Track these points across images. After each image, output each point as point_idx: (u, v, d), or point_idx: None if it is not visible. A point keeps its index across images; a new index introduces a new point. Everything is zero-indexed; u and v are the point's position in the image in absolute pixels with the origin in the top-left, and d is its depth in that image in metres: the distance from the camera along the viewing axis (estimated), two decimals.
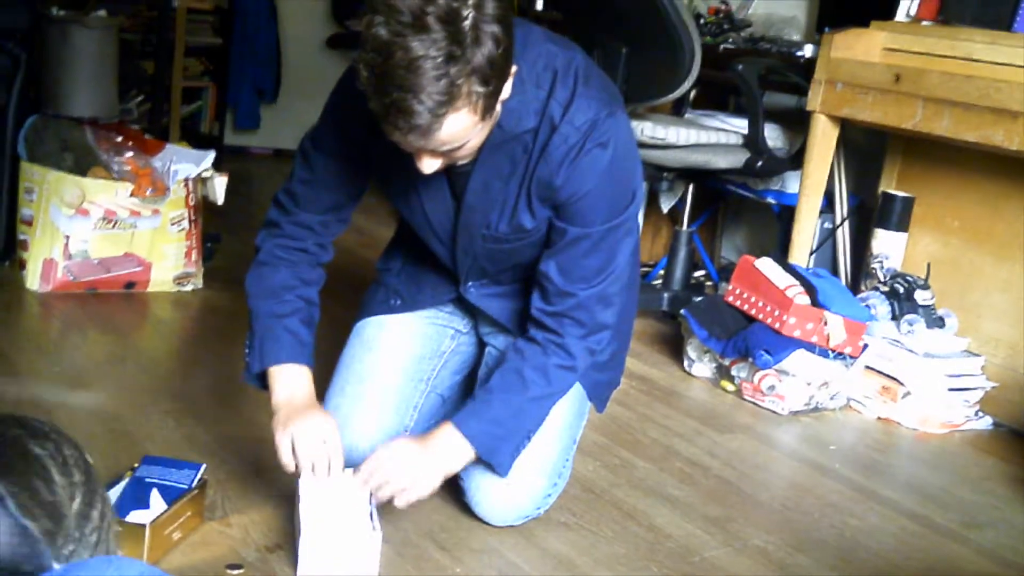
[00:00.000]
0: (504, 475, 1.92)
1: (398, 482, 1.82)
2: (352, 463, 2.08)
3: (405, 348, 2.11)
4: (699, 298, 3.22)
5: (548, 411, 1.95)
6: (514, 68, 1.64)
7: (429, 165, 1.66)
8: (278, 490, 2.03)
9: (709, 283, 3.98)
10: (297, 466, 1.84)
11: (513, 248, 1.93)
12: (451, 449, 1.88)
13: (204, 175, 3.27)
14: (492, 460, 1.90)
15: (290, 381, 1.92)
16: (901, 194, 3.19)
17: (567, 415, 2.05)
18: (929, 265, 3.09)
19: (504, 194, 1.84)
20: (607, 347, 2.02)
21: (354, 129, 1.88)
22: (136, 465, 1.90)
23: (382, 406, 2.05)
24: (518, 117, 1.75)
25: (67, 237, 3.09)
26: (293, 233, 1.99)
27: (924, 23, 3.10)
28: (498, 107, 1.66)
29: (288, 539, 1.86)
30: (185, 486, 1.85)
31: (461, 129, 1.58)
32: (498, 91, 1.60)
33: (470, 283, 2.06)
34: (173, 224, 3.23)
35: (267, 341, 1.94)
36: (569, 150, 1.76)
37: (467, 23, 1.50)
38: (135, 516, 1.75)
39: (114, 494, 1.83)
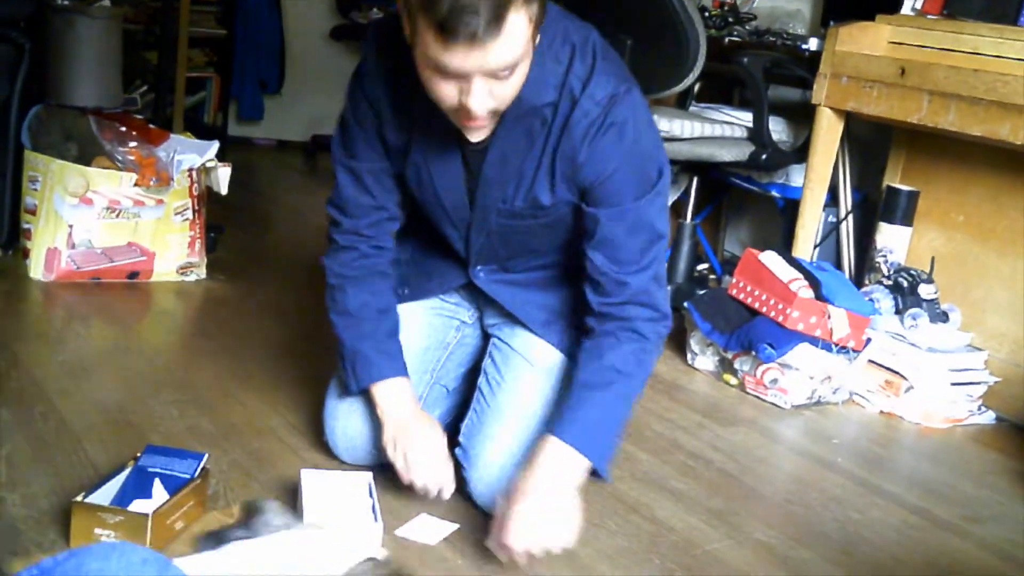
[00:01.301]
0: (609, 480, 1.94)
1: (547, 535, 1.77)
2: (357, 456, 2.09)
3: (410, 339, 2.10)
4: (702, 291, 3.22)
5: (633, 401, 1.94)
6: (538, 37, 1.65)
7: (480, 99, 1.62)
8: (280, 480, 2.03)
9: (712, 276, 3.98)
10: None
11: (528, 226, 1.93)
12: (567, 469, 1.82)
13: (208, 165, 3.27)
14: (602, 468, 1.87)
15: (389, 396, 1.99)
16: (906, 188, 3.19)
17: None
18: (933, 259, 3.09)
19: (522, 168, 1.84)
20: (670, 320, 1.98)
21: (369, 121, 1.90)
22: (139, 455, 1.90)
23: None
24: (537, 90, 1.75)
25: (71, 226, 3.08)
26: (348, 244, 2.03)
27: (929, 17, 3.09)
28: (536, 38, 1.65)
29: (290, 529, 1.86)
30: (188, 476, 1.85)
31: (520, 36, 1.57)
32: (542, 6, 1.61)
33: (479, 267, 2.06)
34: (177, 214, 3.23)
35: (358, 365, 2.01)
36: (590, 125, 1.77)
37: None
38: (138, 505, 1.75)
39: (116, 484, 1.83)
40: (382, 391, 1.99)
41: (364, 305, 2.02)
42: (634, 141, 1.80)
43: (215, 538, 1.26)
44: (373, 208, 2.00)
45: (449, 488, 1.95)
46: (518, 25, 1.56)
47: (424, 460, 1.93)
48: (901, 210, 3.18)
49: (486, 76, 1.61)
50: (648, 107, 1.88)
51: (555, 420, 1.86)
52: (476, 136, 1.79)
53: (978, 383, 2.91)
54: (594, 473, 1.86)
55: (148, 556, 1.02)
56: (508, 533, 1.75)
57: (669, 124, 3.29)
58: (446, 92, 1.64)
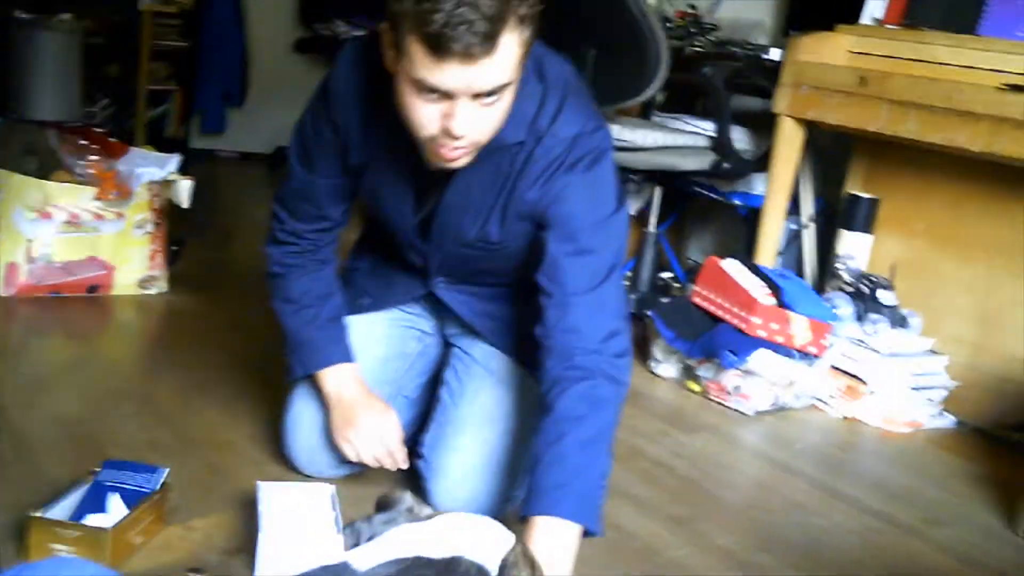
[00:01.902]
0: (600, 534, 1.70)
1: None
2: (317, 468, 2.08)
3: (371, 350, 2.10)
4: (666, 299, 3.23)
5: (603, 444, 1.74)
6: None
7: (465, 121, 1.59)
8: (241, 493, 2.02)
9: (676, 284, 3.99)
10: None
11: (480, 256, 1.93)
12: (570, 549, 1.65)
13: (169, 178, 3.26)
14: (595, 527, 1.68)
15: (335, 383, 2.02)
16: (866, 196, 3.22)
17: (533, 416, 2.04)
18: (894, 266, 3.11)
19: (480, 202, 1.84)
20: (629, 355, 1.84)
21: (330, 138, 1.88)
22: (97, 469, 1.88)
23: None
24: (511, 128, 1.73)
25: (30, 240, 3.06)
26: (288, 240, 2.05)
27: (889, 26, 3.13)
28: (523, 66, 1.63)
29: (250, 542, 1.84)
30: (147, 490, 1.83)
31: (511, 58, 1.56)
32: (534, 33, 1.60)
33: (439, 279, 2.06)
34: (137, 227, 3.21)
35: (303, 352, 2.04)
36: (550, 163, 1.76)
37: None
38: (96, 520, 1.73)
39: (75, 499, 1.81)
40: (328, 377, 2.02)
41: (306, 292, 2.04)
42: (593, 177, 1.78)
43: (355, 532, 1.25)
44: (317, 216, 2.01)
45: (402, 457, 1.99)
46: (511, 46, 1.55)
47: (373, 435, 1.98)
48: (862, 217, 3.20)
49: (473, 99, 1.59)
50: (612, 144, 1.85)
51: (525, 499, 1.69)
52: (450, 166, 1.76)
53: (938, 387, 2.93)
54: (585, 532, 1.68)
55: (97, 571, 1.01)
56: None
57: (632, 134, 3.30)
58: (428, 117, 1.61)
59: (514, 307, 2.06)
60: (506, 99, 1.64)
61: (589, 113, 1.79)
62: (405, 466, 1.99)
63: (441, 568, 1.14)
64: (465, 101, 1.58)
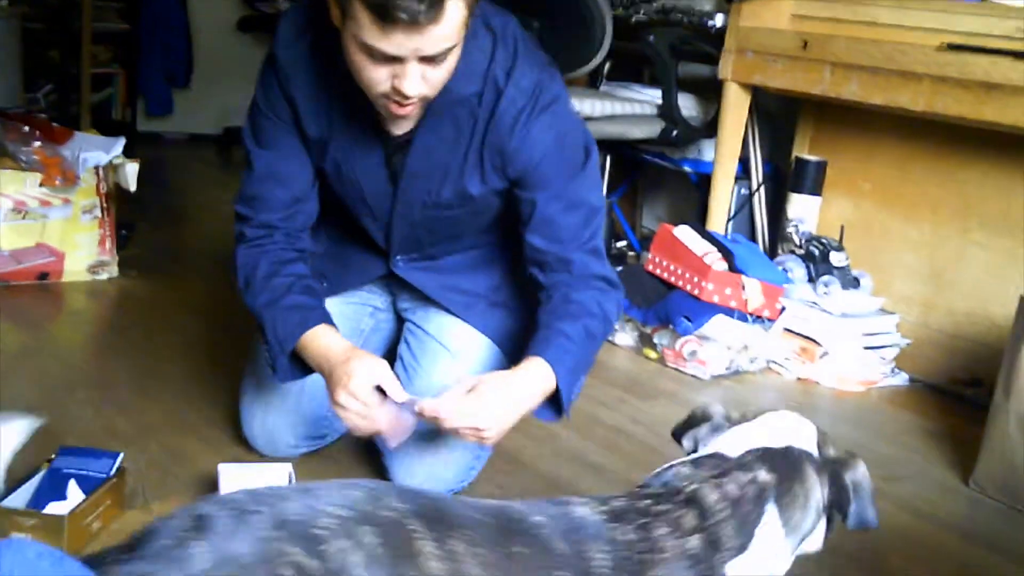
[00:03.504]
0: (568, 416, 1.82)
1: (483, 423, 1.71)
2: (276, 449, 2.08)
3: None
4: (620, 268, 3.24)
5: (597, 347, 1.88)
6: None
7: (414, 82, 1.61)
8: (199, 476, 2.01)
9: (631, 253, 4.01)
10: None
11: (454, 216, 1.92)
12: (536, 385, 1.77)
13: (115, 162, 3.22)
14: (569, 397, 1.81)
15: (318, 349, 1.82)
16: (814, 159, 3.24)
17: None
18: (843, 227, 3.14)
19: (448, 158, 1.83)
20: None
21: (285, 113, 1.85)
22: (53, 456, 1.87)
23: (302, 390, 2.03)
24: (462, 81, 1.74)
25: None
26: (258, 236, 1.92)
27: None
28: (465, 30, 1.63)
29: None
30: (103, 475, 1.83)
31: (457, 20, 1.57)
32: None
33: (399, 256, 2.04)
34: (85, 213, 3.18)
35: (278, 329, 1.85)
36: (518, 113, 1.77)
37: None
38: (53, 508, 1.73)
39: (31, 486, 1.81)
40: (310, 347, 1.83)
41: (273, 274, 1.89)
42: (561, 124, 1.81)
43: (692, 438, 1.48)
44: (289, 200, 1.92)
45: (398, 391, 1.76)
46: (456, 10, 1.56)
47: (363, 385, 1.74)
48: (810, 180, 3.23)
49: (421, 60, 1.60)
50: (567, 91, 1.88)
51: (531, 342, 1.81)
52: (401, 127, 1.78)
53: (890, 346, 2.97)
54: (555, 405, 1.81)
55: (42, 550, 1.01)
56: (449, 397, 1.71)
57: (580, 104, 3.30)
58: (377, 76, 1.63)
59: (473, 277, 2.07)
60: (454, 55, 1.65)
61: (542, 60, 1.81)
62: (406, 397, 1.76)
63: (780, 455, 1.35)
64: (413, 63, 1.60)
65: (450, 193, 1.87)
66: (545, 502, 1.27)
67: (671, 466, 1.37)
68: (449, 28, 1.57)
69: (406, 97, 1.64)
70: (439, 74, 1.65)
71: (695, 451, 1.44)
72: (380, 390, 1.75)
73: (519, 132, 1.78)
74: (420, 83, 1.63)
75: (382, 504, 1.14)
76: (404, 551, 1.11)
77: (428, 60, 1.61)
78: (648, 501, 1.29)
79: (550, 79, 1.80)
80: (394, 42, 1.56)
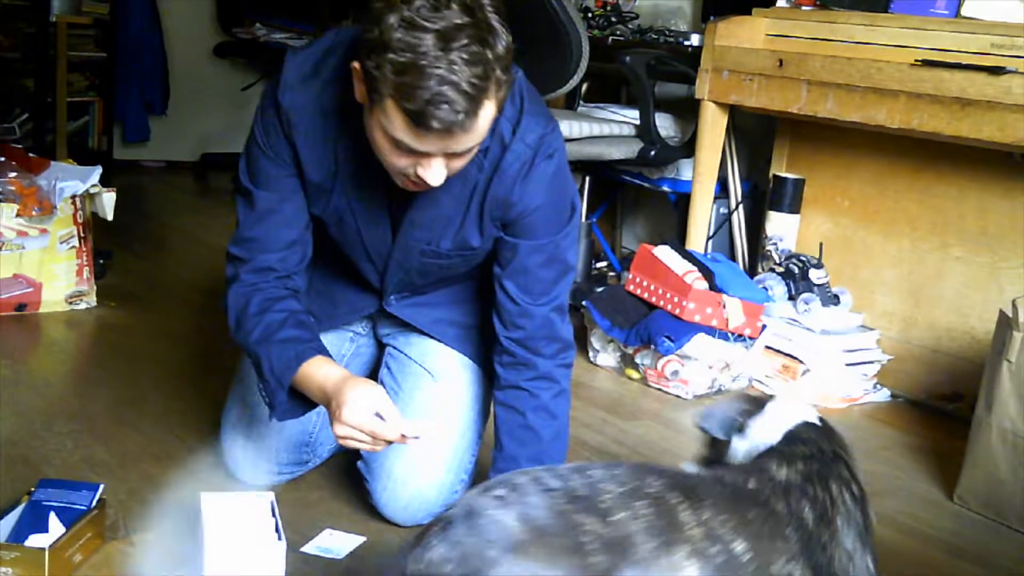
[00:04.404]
0: None
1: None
2: (258, 476, 2.07)
3: None
4: (600, 288, 3.24)
5: (567, 442, 1.96)
6: None
7: (438, 173, 1.62)
8: (180, 506, 1.99)
9: (612, 273, 4.01)
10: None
11: (452, 263, 1.92)
12: None
13: (92, 191, 3.21)
14: None
15: (315, 379, 1.78)
16: (792, 176, 3.25)
17: (472, 410, 2.05)
18: (822, 244, 3.15)
19: (451, 211, 1.83)
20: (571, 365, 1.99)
21: (286, 155, 1.82)
22: (33, 489, 1.85)
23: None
24: None
25: None
26: (254, 281, 1.87)
27: (804, 8, 3.16)
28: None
29: (192, 555, 1.83)
30: (84, 507, 1.81)
31: (486, 124, 1.58)
32: (508, 90, 1.60)
33: (392, 296, 2.03)
34: (62, 243, 3.16)
35: (274, 364, 1.81)
36: (522, 167, 1.77)
37: (484, 12, 1.51)
38: (34, 540, 1.71)
39: (11, 519, 1.79)
40: (307, 380, 1.79)
41: (264, 311, 1.84)
42: (558, 177, 1.82)
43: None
44: (287, 243, 1.88)
45: (396, 418, 1.72)
46: (488, 113, 1.56)
47: (360, 407, 1.70)
48: (788, 198, 3.24)
49: (447, 156, 1.61)
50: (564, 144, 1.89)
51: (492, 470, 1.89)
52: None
53: (872, 362, 2.98)
54: None
55: None
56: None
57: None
58: (400, 163, 1.62)
59: (462, 308, 2.07)
60: (478, 146, 1.65)
61: (545, 114, 1.81)
62: (412, 432, 1.72)
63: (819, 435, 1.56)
64: (439, 158, 1.60)
65: (450, 244, 1.87)
66: (748, 468, 1.50)
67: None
68: (481, 130, 1.58)
69: (426, 183, 1.64)
70: (461, 163, 1.66)
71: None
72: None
73: (520, 184, 1.79)
74: (442, 173, 1.63)
75: (645, 481, 1.34)
76: (671, 521, 1.30)
77: (454, 155, 1.61)
78: (817, 465, 1.50)
79: (552, 133, 1.80)
80: (425, 144, 1.56)
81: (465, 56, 1.48)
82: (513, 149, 1.76)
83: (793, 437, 1.54)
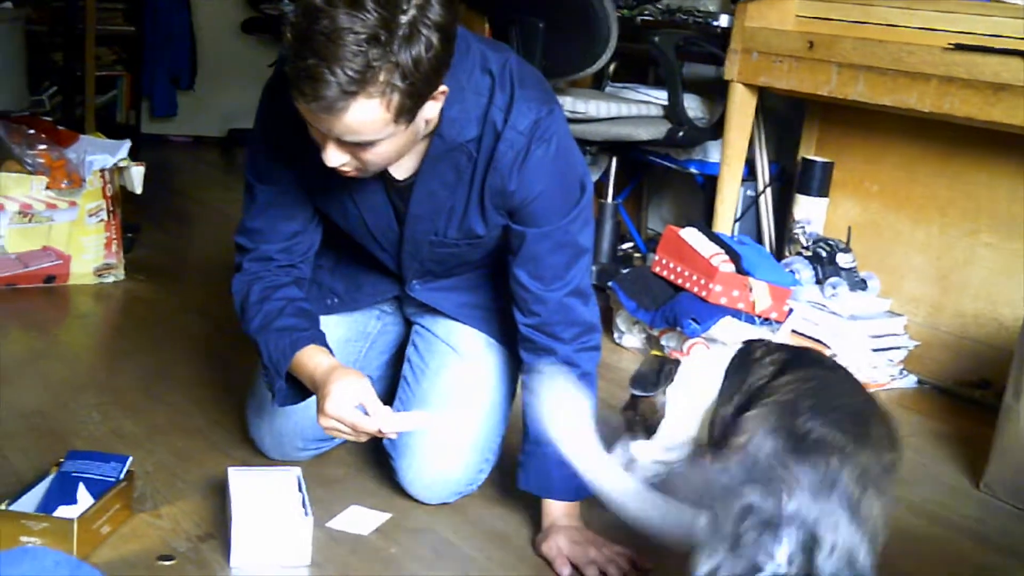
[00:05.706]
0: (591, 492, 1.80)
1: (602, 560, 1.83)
2: (284, 452, 2.07)
3: (331, 331, 2.06)
4: (626, 270, 3.23)
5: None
6: (443, 88, 1.62)
7: (334, 157, 1.61)
8: (207, 479, 2.01)
9: (637, 255, 4.00)
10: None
11: (463, 251, 1.92)
12: (552, 515, 1.91)
13: (120, 165, 3.22)
14: (570, 496, 1.91)
15: (306, 369, 1.82)
16: (820, 160, 3.23)
17: (497, 391, 2.05)
18: (850, 229, 3.14)
19: (451, 201, 1.82)
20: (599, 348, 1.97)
21: (288, 145, 1.82)
22: (61, 460, 1.87)
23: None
24: (460, 127, 1.73)
25: None
26: (256, 270, 1.92)
27: None
28: (420, 119, 1.62)
29: (219, 528, 1.84)
30: (112, 479, 1.83)
31: (370, 120, 1.54)
32: (420, 97, 1.57)
33: (415, 281, 2.04)
34: (91, 216, 3.17)
35: (271, 352, 1.86)
36: (516, 155, 1.75)
37: (405, 17, 1.48)
38: (62, 511, 1.73)
39: (40, 490, 1.80)
40: (301, 368, 1.83)
41: (264, 299, 1.90)
42: (558, 161, 1.79)
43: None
44: (290, 233, 1.92)
45: (383, 415, 1.73)
46: (369, 110, 1.53)
47: (344, 400, 1.72)
48: (817, 181, 3.22)
49: (339, 143, 1.59)
50: (567, 123, 1.86)
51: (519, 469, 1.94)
52: (400, 172, 1.78)
53: (898, 348, 2.96)
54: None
55: (60, 558, 1.02)
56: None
57: (585, 105, 3.30)
58: (315, 138, 1.63)
59: (487, 290, 2.06)
60: (385, 147, 1.62)
61: (540, 97, 1.78)
62: (391, 429, 1.74)
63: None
64: (332, 142, 1.60)
65: (456, 232, 1.87)
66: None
67: None
68: (360, 124, 1.54)
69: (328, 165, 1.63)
70: (370, 158, 1.63)
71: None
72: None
73: (517, 173, 1.77)
74: (342, 159, 1.62)
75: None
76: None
77: (350, 145, 1.60)
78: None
79: (548, 116, 1.77)
80: (309, 116, 1.57)
81: (352, 45, 1.46)
82: (506, 137, 1.74)
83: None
